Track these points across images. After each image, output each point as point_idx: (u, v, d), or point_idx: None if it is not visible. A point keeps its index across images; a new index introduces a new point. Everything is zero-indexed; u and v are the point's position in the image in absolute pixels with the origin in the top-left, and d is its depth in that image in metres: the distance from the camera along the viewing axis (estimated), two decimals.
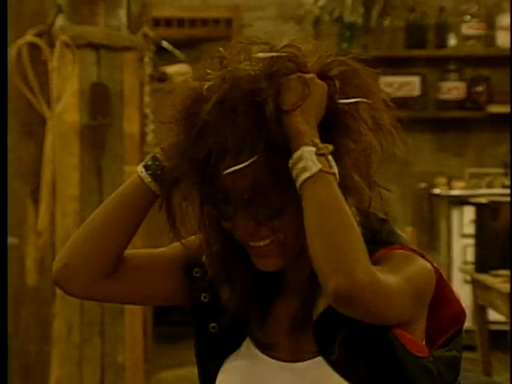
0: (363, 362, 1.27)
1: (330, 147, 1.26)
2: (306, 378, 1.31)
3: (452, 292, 1.36)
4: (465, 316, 1.37)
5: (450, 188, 5.90)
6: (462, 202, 5.62)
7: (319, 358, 1.30)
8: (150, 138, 3.80)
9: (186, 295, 1.40)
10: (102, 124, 3.58)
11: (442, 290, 1.34)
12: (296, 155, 1.25)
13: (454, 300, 1.36)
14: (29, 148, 3.66)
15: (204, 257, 1.37)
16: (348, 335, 1.27)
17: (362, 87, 1.30)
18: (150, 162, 1.35)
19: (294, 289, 1.36)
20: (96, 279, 1.35)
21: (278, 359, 1.34)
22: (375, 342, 1.27)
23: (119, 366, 3.66)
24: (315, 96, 1.27)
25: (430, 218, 5.84)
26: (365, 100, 1.29)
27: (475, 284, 4.12)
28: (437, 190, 5.91)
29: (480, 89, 6.01)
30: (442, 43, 6.04)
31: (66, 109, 3.59)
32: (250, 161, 1.25)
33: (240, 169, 1.26)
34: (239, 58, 1.30)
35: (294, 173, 1.25)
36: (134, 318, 3.70)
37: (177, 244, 1.38)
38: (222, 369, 1.37)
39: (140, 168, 1.36)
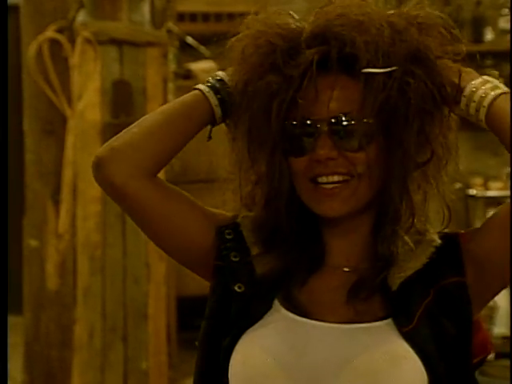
0: (436, 338, 1.22)
1: None
2: (364, 339, 1.23)
3: (482, 321, 1.32)
4: (492, 346, 1.30)
5: (487, 189, 5.78)
6: (499, 203, 5.45)
7: (382, 322, 1.24)
8: None
9: (210, 251, 1.34)
10: (125, 122, 3.43)
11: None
12: (479, 79, 1.30)
13: (483, 328, 1.30)
14: (49, 148, 3.59)
15: (240, 217, 1.34)
16: (431, 308, 1.23)
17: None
18: (217, 85, 1.32)
19: (346, 244, 1.30)
20: (136, 170, 1.32)
21: (324, 321, 1.26)
22: (455, 324, 1.22)
23: (143, 373, 3.63)
24: None
25: (466, 219, 5.72)
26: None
27: None
28: (472, 191, 5.79)
29: None
30: (478, 38, 5.94)
31: (88, 107, 3.53)
32: (390, 69, 1.22)
33: (374, 73, 1.22)
34: None
35: (483, 90, 1.28)
36: (158, 322, 3.65)
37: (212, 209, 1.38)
38: (245, 336, 1.28)
39: (205, 87, 1.32)
